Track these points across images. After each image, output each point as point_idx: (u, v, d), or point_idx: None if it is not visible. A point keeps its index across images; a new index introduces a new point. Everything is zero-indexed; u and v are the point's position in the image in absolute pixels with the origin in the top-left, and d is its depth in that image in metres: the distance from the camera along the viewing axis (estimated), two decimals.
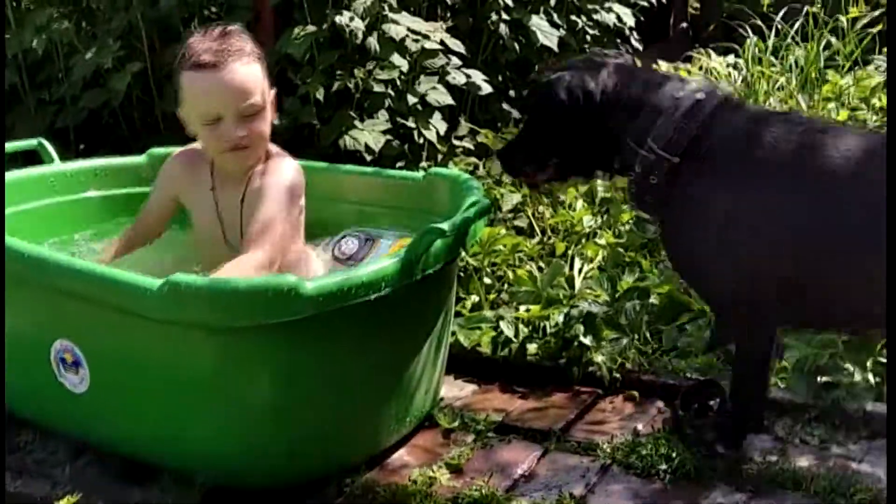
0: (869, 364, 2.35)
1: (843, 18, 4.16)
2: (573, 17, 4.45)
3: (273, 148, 2.38)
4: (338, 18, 3.40)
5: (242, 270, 2.06)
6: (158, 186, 2.47)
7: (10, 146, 2.69)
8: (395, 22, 3.51)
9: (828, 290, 1.86)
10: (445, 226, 2.00)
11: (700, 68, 4.41)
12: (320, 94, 3.36)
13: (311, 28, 3.42)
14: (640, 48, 4.92)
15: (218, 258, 2.18)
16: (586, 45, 4.64)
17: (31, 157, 2.74)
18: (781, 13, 4.34)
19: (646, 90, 1.95)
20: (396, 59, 3.47)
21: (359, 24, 3.41)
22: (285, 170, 2.32)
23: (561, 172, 2.10)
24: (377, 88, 3.45)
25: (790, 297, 1.88)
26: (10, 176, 2.58)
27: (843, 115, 3.71)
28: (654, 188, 1.91)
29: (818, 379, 2.30)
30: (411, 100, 3.53)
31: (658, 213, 2.01)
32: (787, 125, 1.88)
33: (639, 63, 2.11)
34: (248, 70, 2.24)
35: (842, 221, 1.81)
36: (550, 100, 1.98)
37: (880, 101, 3.77)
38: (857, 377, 2.31)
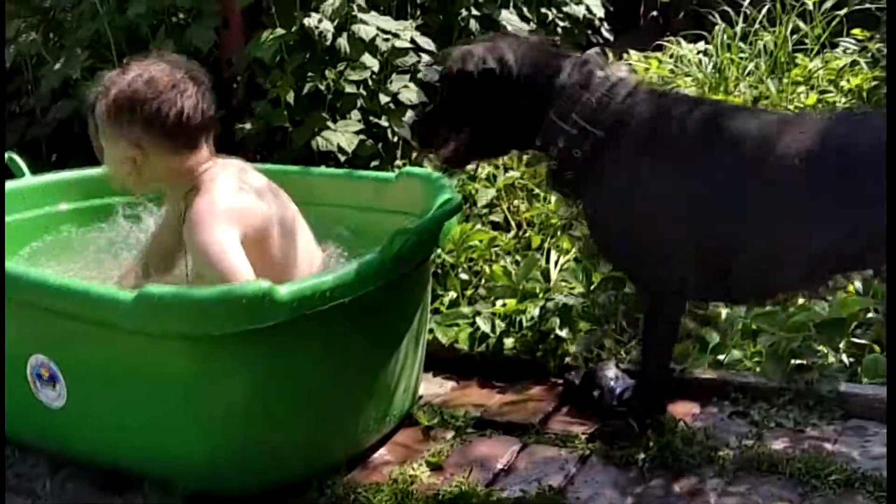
0: (842, 345, 2.39)
1: (809, 2, 4.19)
2: (543, 10, 4.47)
3: (209, 175, 2.15)
4: (306, 21, 3.40)
5: None
6: None
7: None
8: (365, 22, 3.50)
9: (740, 263, 1.91)
10: (417, 226, 2.01)
11: (671, 56, 4.44)
12: (291, 97, 3.37)
13: (279, 31, 3.42)
14: (611, 38, 4.94)
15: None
16: (557, 38, 4.65)
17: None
18: None
19: (566, 67, 1.97)
20: (367, 59, 3.48)
21: (328, 26, 3.41)
22: (200, 204, 2.11)
23: (476, 149, 2.10)
24: (349, 89, 3.45)
25: (706, 269, 1.93)
26: None
27: (812, 98, 3.74)
28: (576, 163, 1.92)
29: (791, 362, 2.33)
30: (383, 99, 3.54)
31: (577, 191, 2.00)
32: (695, 106, 1.96)
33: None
34: (103, 139, 2.17)
35: (747, 195, 1.88)
36: (469, 72, 1.97)
37: (848, 83, 3.80)
38: (831, 359, 2.35)
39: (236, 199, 2.09)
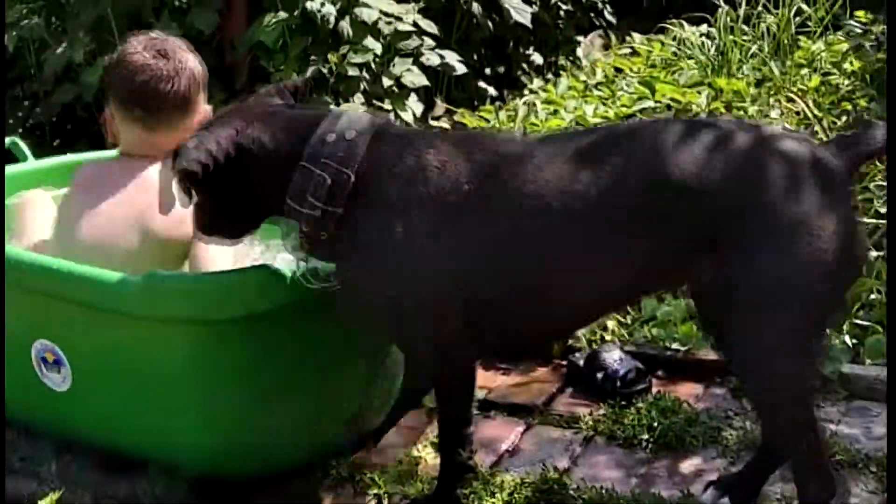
0: (845, 327, 2.39)
1: None
2: None
3: None
4: (309, 4, 3.41)
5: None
6: None
7: None
8: (367, 5, 3.51)
9: (513, 308, 1.76)
10: None
11: (673, 38, 4.43)
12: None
13: (282, 14, 3.43)
14: (614, 21, 4.93)
15: None
16: (560, 21, 4.65)
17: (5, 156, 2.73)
18: None
19: (297, 138, 1.75)
20: (370, 42, 3.48)
21: (330, 9, 3.41)
22: None
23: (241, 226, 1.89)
24: (351, 72, 3.45)
25: (477, 321, 1.75)
26: None
27: (816, 80, 3.73)
28: (326, 242, 1.75)
29: None
30: (386, 82, 3.54)
31: (332, 258, 1.82)
32: (449, 148, 1.74)
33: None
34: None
35: (518, 238, 1.70)
36: (187, 170, 1.71)
37: (851, 65, 3.79)
38: (834, 340, 2.35)
39: None
